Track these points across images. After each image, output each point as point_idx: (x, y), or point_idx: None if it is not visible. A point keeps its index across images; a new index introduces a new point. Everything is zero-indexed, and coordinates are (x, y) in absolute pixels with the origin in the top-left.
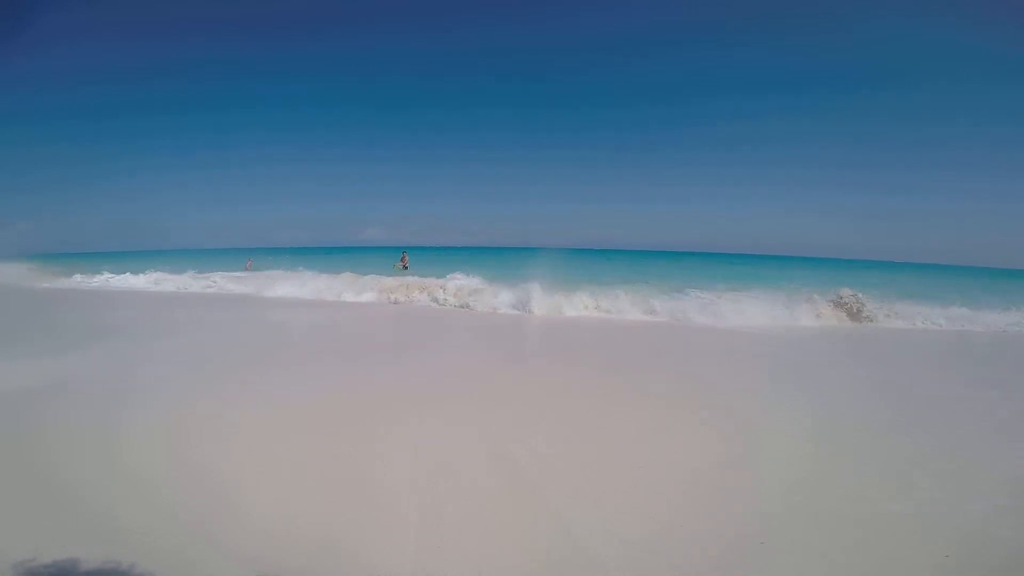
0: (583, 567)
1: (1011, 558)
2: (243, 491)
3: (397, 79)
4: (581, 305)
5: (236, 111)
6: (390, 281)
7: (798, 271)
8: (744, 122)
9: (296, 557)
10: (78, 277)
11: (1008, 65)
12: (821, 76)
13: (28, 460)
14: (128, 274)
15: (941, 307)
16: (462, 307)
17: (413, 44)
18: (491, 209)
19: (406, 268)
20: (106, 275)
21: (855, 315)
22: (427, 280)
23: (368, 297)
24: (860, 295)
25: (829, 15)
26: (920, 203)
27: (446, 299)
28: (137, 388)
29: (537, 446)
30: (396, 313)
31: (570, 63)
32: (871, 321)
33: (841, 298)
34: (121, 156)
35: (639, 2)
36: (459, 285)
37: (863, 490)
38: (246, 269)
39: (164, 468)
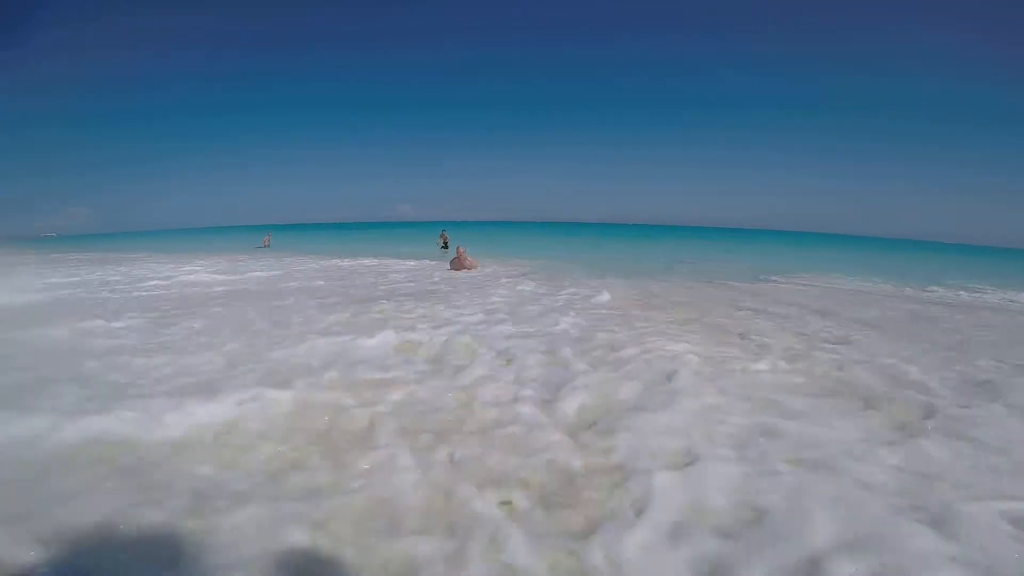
0: None
1: None
2: None
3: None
4: None
5: (279, 107)
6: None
7: None
8: None
9: None
10: None
11: None
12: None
13: None
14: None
15: None
16: None
17: (447, 49)
18: (507, 188)
19: (446, 247)
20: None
21: None
22: None
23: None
24: None
25: None
26: None
27: None
28: None
29: None
30: None
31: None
32: None
33: None
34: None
35: None
36: None
37: None
38: (263, 244)
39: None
